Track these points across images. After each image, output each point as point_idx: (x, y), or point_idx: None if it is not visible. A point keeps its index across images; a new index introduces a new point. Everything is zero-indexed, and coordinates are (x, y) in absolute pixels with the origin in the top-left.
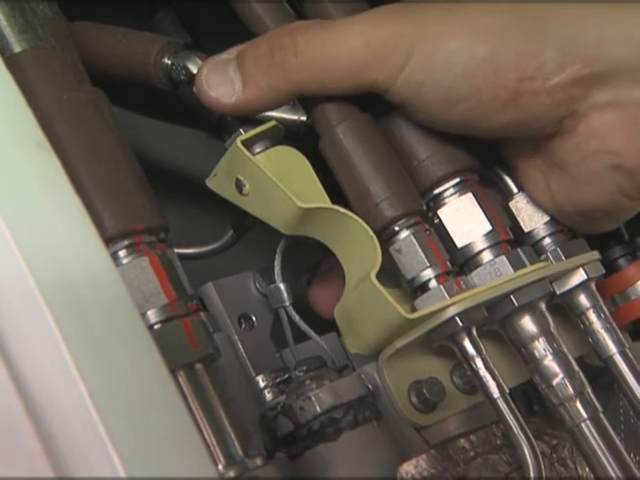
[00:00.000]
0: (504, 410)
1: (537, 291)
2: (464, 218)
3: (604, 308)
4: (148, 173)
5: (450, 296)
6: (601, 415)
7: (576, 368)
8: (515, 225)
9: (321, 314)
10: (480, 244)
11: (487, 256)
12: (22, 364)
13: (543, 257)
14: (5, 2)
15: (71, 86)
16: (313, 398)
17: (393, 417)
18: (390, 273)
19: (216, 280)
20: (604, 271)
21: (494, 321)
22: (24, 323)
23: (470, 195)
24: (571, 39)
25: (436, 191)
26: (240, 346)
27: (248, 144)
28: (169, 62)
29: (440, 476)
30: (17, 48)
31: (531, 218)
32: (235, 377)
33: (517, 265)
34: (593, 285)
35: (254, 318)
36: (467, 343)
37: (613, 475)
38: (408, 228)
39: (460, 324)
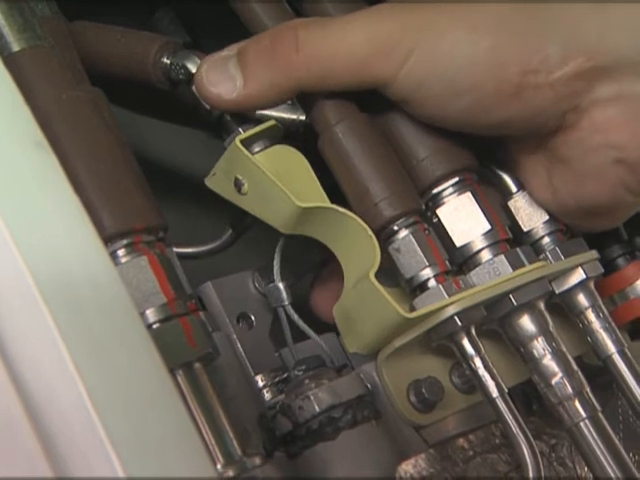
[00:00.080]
0: (503, 409)
1: (536, 290)
2: (463, 217)
3: (603, 307)
4: (147, 172)
5: (449, 295)
6: (600, 414)
7: (575, 367)
8: (514, 224)
9: (322, 317)
10: (479, 243)
11: (486, 255)
12: (21, 363)
13: (542, 256)
14: (4, 1)
15: (70, 85)
16: (312, 397)
17: (392, 416)
18: (389, 272)
19: (215, 279)
20: (603, 270)
21: (493, 320)
22: (23, 322)
23: (469, 194)
24: (574, 33)
25: (435, 190)
26: (239, 345)
27: (247, 143)
28: (168, 61)
29: (439, 475)
30: (16, 47)
31: (530, 217)
32: (234, 376)
33: (516, 264)
34: (592, 284)
35: (253, 317)
36: (466, 342)
37: (612, 474)
38: (407, 227)
39: (459, 323)
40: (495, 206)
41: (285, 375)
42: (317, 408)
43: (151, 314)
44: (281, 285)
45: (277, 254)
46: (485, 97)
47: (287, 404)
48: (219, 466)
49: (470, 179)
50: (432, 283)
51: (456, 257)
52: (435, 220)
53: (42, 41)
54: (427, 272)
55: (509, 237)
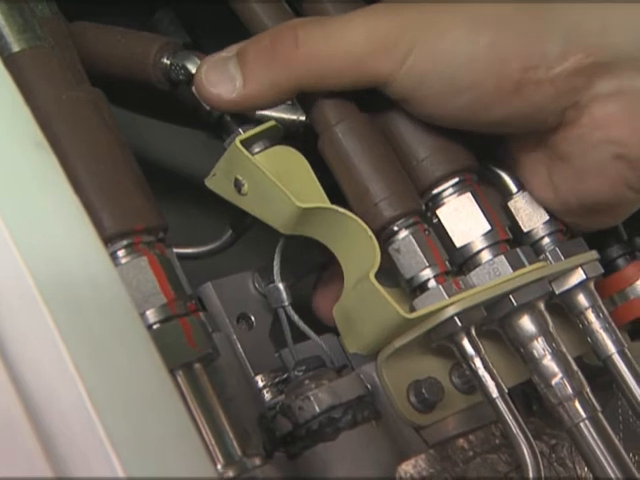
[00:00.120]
0: (503, 410)
1: (536, 291)
2: (463, 218)
3: (603, 308)
4: (147, 173)
5: (449, 296)
6: (600, 415)
7: (575, 368)
8: (514, 225)
9: (324, 320)
10: (479, 244)
11: (486, 256)
12: (21, 364)
13: (542, 257)
14: (4, 2)
15: (70, 86)
16: (312, 398)
17: (392, 417)
18: (389, 273)
19: (215, 280)
20: (603, 271)
21: (493, 321)
22: (23, 323)
23: (469, 195)
24: (574, 28)
25: (435, 191)
26: (239, 346)
27: (247, 144)
28: (168, 62)
29: (439, 476)
30: (16, 47)
31: (530, 218)
32: (234, 377)
33: (516, 265)
34: (592, 285)
35: (253, 318)
36: (466, 343)
37: (612, 475)
38: (407, 228)
39: (459, 324)
40: (495, 206)
41: (285, 376)
42: (317, 409)
43: (151, 315)
44: (281, 286)
45: (277, 255)
46: (485, 94)
47: (287, 404)
48: (219, 466)
49: (470, 179)
50: (432, 284)
51: (456, 257)
52: (435, 220)
53: (42, 41)
54: (427, 272)
55: (509, 237)
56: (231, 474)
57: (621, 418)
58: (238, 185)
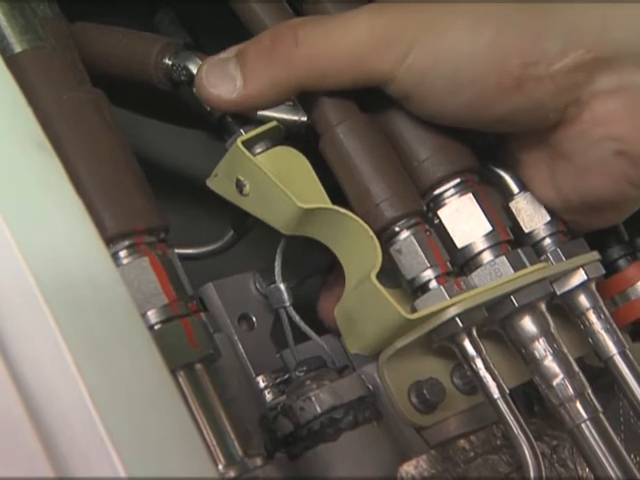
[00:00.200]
0: (504, 410)
1: (537, 291)
2: (464, 218)
3: (604, 309)
4: (148, 173)
5: (450, 297)
6: (601, 416)
7: (576, 369)
8: (515, 226)
9: (329, 324)
10: (480, 244)
11: (487, 256)
12: (22, 363)
13: (543, 257)
14: (5, 2)
15: (71, 86)
16: (313, 398)
17: (393, 417)
18: (390, 273)
19: (216, 280)
20: (604, 271)
21: (494, 321)
22: (24, 322)
23: (470, 195)
24: (574, 24)
25: (436, 192)
26: (240, 346)
27: (249, 144)
28: (169, 62)
29: (440, 476)
30: (17, 48)
31: (531, 218)
32: (235, 377)
33: (517, 266)
34: (593, 286)
35: (254, 318)
36: (467, 344)
37: (613, 476)
38: (408, 229)
39: (460, 325)
40: (496, 207)
41: (286, 376)
42: (318, 409)
43: (152, 315)
44: (282, 286)
45: (278, 255)
46: (486, 91)
47: (288, 405)
48: (220, 467)
49: (471, 180)
50: (433, 284)
51: (457, 258)
52: (436, 221)
53: (44, 42)
54: (428, 273)
55: (510, 238)
56: (232, 474)
57: (622, 419)
58: (240, 186)
